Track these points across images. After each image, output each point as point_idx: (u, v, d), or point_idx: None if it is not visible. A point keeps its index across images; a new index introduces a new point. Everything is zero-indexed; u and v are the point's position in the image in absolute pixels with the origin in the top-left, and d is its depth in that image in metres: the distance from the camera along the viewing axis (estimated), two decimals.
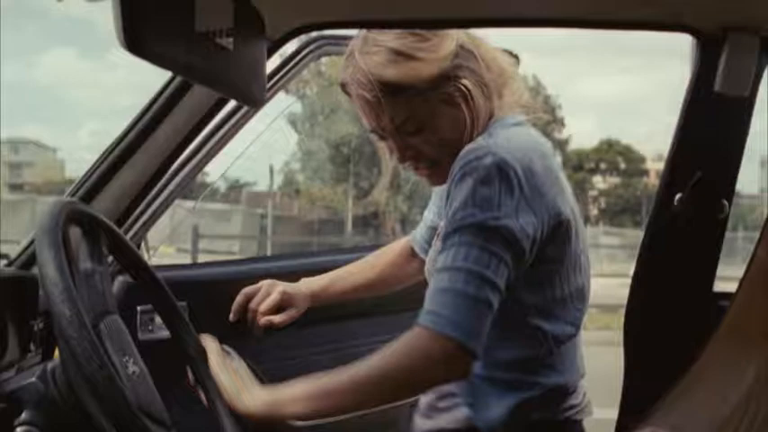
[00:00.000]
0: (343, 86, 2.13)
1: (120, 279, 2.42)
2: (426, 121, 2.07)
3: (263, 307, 2.42)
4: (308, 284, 2.54)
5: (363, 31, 2.14)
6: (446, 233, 1.92)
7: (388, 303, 2.78)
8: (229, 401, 1.96)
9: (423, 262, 2.44)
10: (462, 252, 1.87)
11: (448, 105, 2.07)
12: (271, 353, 2.76)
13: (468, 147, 1.97)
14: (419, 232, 2.61)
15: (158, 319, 2.50)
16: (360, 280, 2.62)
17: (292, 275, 2.56)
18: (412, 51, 2.07)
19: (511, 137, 2.02)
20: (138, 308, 2.44)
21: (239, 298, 2.44)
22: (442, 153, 2.09)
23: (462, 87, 2.07)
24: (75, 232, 1.89)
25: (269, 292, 2.45)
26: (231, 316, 2.42)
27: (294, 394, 1.89)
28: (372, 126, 2.12)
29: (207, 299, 2.64)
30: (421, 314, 1.86)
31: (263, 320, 2.41)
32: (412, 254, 2.63)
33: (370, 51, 2.07)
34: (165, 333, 2.26)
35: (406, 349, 1.84)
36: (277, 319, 2.42)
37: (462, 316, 1.83)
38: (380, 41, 2.07)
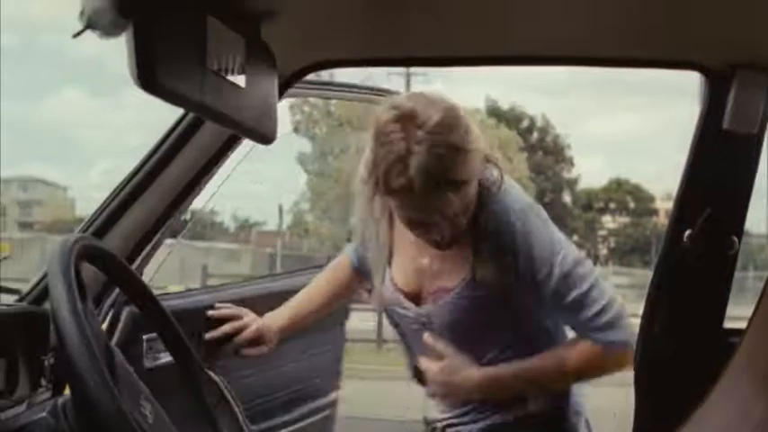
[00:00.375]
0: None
1: (126, 309, 2.42)
2: (469, 204, 2.20)
3: (241, 339, 2.64)
4: (275, 321, 2.70)
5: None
6: (557, 278, 2.22)
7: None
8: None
9: (360, 277, 2.70)
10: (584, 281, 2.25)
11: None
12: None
13: (500, 205, 2.23)
14: (354, 249, 2.73)
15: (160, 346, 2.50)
16: (317, 305, 2.78)
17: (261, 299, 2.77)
18: (466, 145, 2.11)
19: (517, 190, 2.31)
20: (144, 336, 2.44)
21: (227, 328, 2.64)
22: (462, 224, 2.22)
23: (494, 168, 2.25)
24: (86, 268, 1.89)
25: (248, 325, 2.66)
26: (209, 336, 2.62)
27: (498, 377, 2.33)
28: (409, 215, 2.20)
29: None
30: (592, 335, 2.24)
31: (243, 352, 2.65)
32: (351, 269, 2.76)
33: (432, 147, 2.07)
34: (168, 359, 2.31)
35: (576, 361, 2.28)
36: (253, 352, 2.65)
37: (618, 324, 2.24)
38: (437, 139, 2.08)
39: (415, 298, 2.42)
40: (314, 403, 3.18)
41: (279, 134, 1.89)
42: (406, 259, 2.45)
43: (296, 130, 32.61)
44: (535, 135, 44.12)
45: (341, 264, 2.81)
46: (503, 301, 2.27)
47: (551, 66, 2.26)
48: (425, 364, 2.37)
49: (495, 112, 39.50)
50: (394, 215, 2.33)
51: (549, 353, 2.31)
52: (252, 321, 2.65)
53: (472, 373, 2.33)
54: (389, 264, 2.46)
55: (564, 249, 2.23)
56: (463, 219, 2.20)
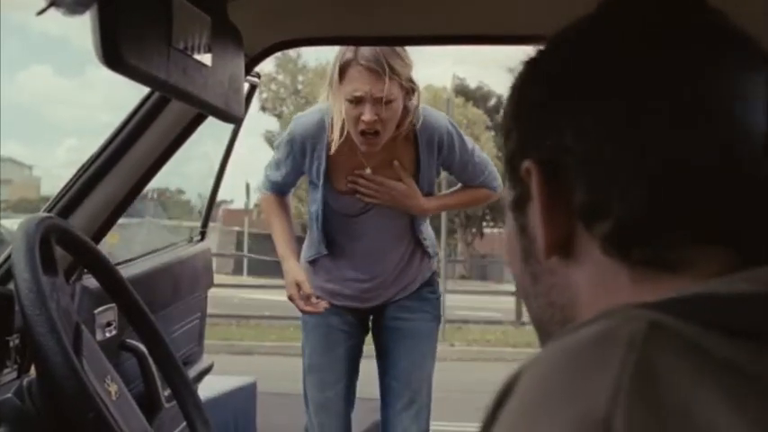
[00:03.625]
0: (354, 61, 3.15)
1: (78, 285, 2.41)
2: (397, 104, 3.20)
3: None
4: (299, 269, 3.43)
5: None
6: (473, 161, 3.48)
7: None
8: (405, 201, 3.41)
9: (286, 196, 3.62)
10: (484, 158, 3.56)
11: (406, 97, 3.26)
12: None
13: (426, 117, 3.34)
14: (267, 186, 3.58)
15: (108, 319, 2.49)
16: (292, 233, 3.58)
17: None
18: (409, 62, 3.23)
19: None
20: (96, 311, 2.43)
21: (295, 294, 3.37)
22: (390, 130, 3.24)
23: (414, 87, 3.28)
24: (50, 247, 1.88)
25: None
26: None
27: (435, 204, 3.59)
28: (365, 92, 3.13)
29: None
30: (486, 183, 3.53)
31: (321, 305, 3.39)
32: (280, 197, 3.60)
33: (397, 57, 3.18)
34: (114, 333, 2.45)
35: (480, 197, 3.61)
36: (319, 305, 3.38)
37: (497, 180, 3.56)
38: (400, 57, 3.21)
39: (360, 201, 3.40)
40: (195, 367, 3.27)
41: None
42: (347, 172, 3.37)
43: (263, 108, 32.57)
44: (502, 114, 44.15)
45: (272, 200, 3.59)
46: (434, 180, 3.52)
47: (522, 45, 2.26)
48: (385, 181, 3.37)
49: (462, 91, 39.51)
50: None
51: (467, 190, 3.60)
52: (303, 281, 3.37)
53: (421, 200, 3.42)
54: (333, 174, 3.37)
55: (472, 143, 3.52)
56: (389, 121, 3.20)
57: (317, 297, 3.40)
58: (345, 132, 3.26)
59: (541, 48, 0.83)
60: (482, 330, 14.73)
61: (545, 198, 0.77)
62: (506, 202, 0.85)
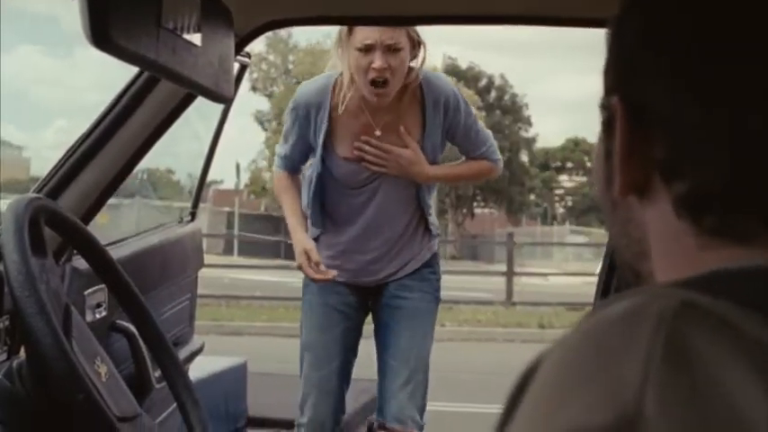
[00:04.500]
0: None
1: (68, 265, 2.41)
2: (405, 54, 3.27)
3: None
4: (308, 239, 3.47)
5: None
6: (476, 128, 3.56)
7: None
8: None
9: (298, 174, 3.66)
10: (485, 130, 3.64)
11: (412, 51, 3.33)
12: None
13: (432, 80, 3.46)
14: (279, 165, 3.66)
15: (98, 300, 2.49)
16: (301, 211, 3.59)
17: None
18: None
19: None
20: (85, 292, 2.43)
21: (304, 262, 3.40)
22: (399, 80, 3.30)
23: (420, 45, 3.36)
24: (39, 228, 1.87)
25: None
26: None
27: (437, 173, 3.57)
28: (375, 39, 3.19)
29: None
30: (488, 155, 3.59)
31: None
32: (292, 176, 3.65)
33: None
34: (103, 314, 2.45)
35: (483, 169, 3.64)
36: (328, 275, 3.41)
37: (497, 153, 3.68)
38: None
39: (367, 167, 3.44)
40: (187, 347, 3.29)
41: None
42: (353, 137, 3.40)
43: (253, 88, 32.53)
44: (493, 94, 44.17)
45: (282, 177, 3.65)
46: (438, 148, 3.52)
47: (511, 24, 2.25)
48: (392, 148, 3.40)
49: (453, 71, 39.49)
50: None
51: (470, 163, 3.63)
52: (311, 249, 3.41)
53: (426, 167, 3.45)
54: (337, 141, 3.42)
55: (474, 112, 3.61)
56: (398, 71, 3.27)
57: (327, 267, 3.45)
58: (353, 89, 3.33)
59: None
60: (473, 311, 14.75)
61: (626, 141, 0.75)
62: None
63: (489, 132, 3.64)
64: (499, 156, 3.65)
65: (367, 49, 3.21)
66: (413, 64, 3.35)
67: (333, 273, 3.40)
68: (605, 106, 0.79)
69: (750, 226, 0.70)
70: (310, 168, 3.51)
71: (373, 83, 3.26)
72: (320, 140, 3.40)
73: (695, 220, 0.72)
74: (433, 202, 3.67)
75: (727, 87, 0.70)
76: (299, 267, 3.43)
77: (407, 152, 3.41)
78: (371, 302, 3.62)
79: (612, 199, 0.80)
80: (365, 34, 3.20)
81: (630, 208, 0.78)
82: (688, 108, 0.71)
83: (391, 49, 3.22)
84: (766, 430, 0.53)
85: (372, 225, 3.50)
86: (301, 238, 3.46)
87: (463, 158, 3.66)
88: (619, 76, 0.78)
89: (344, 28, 3.23)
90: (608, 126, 0.78)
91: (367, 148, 3.40)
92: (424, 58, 3.35)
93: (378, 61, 3.20)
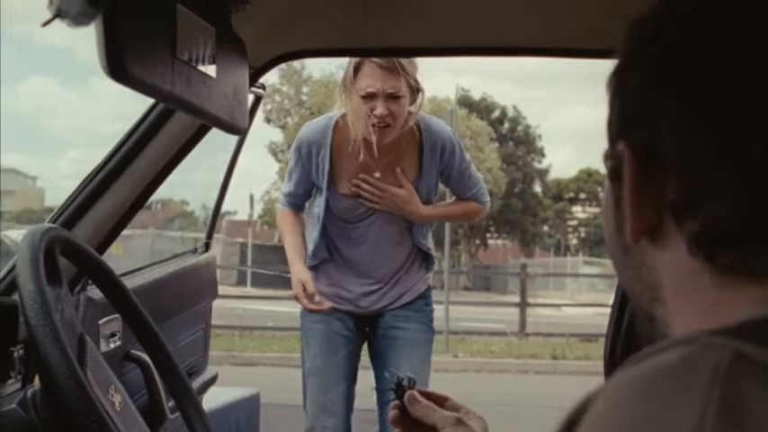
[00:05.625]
0: (368, 59, 3.38)
1: (82, 295, 2.41)
2: (405, 101, 3.45)
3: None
4: (306, 273, 3.57)
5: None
6: (469, 172, 3.71)
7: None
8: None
9: (301, 212, 3.81)
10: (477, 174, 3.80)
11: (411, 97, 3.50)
12: None
13: (431, 124, 3.61)
14: (285, 203, 3.80)
15: (112, 330, 2.49)
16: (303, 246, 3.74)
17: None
18: (415, 63, 3.52)
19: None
20: (100, 322, 2.43)
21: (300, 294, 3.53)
22: (399, 124, 3.46)
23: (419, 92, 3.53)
24: (54, 258, 1.88)
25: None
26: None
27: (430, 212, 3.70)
28: (377, 88, 3.38)
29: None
30: (477, 197, 3.75)
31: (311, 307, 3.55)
32: (296, 213, 3.80)
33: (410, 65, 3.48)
34: (117, 344, 2.44)
35: (472, 210, 3.82)
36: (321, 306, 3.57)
37: (486, 195, 3.86)
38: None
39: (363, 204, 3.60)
40: (201, 378, 3.28)
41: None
42: (353, 176, 3.57)
43: (267, 119, 32.60)
44: (506, 125, 44.24)
45: (285, 214, 3.80)
46: (433, 189, 3.68)
47: (525, 57, 2.26)
48: (387, 187, 3.57)
49: (466, 102, 39.56)
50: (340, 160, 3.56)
51: (460, 203, 3.79)
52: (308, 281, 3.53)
53: (419, 207, 3.61)
54: (338, 177, 3.57)
55: (469, 158, 3.76)
56: (398, 115, 3.44)
57: (322, 297, 3.60)
58: (355, 131, 3.51)
59: (653, 23, 0.78)
60: (486, 342, 14.71)
61: (635, 185, 0.75)
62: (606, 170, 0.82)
63: (479, 177, 3.84)
64: (488, 198, 3.87)
65: (370, 97, 3.42)
66: (411, 109, 3.52)
67: (328, 304, 3.57)
68: (611, 155, 0.79)
69: (764, 262, 0.69)
70: (316, 208, 3.68)
71: (374, 126, 3.45)
72: (324, 178, 3.58)
73: (711, 259, 0.71)
74: (430, 236, 3.83)
75: (736, 123, 0.69)
76: (296, 298, 3.55)
77: (402, 192, 3.61)
78: (368, 332, 3.74)
79: (624, 245, 0.80)
80: (368, 82, 3.42)
81: (642, 253, 0.78)
82: (698, 146, 0.71)
83: (392, 97, 3.42)
84: None
85: (368, 258, 3.67)
86: (298, 269, 3.60)
87: (453, 198, 3.89)
88: (625, 121, 0.78)
89: (349, 74, 3.44)
90: (615, 174, 0.78)
91: (364, 186, 3.57)
92: (421, 103, 3.55)
93: (379, 108, 3.41)
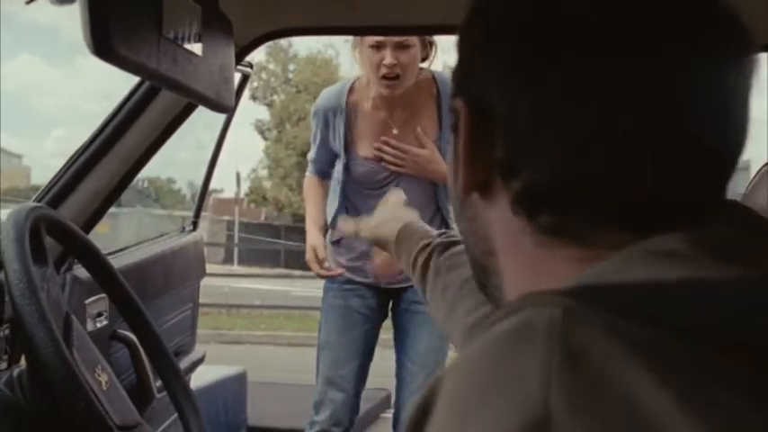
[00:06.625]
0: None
1: (68, 274, 2.41)
2: (415, 51, 3.39)
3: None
4: (321, 241, 3.61)
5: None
6: None
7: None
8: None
9: (327, 180, 3.71)
10: None
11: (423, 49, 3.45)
12: None
13: (448, 79, 3.39)
14: (312, 170, 3.77)
15: (99, 309, 2.49)
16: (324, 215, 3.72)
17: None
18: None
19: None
20: (86, 301, 2.43)
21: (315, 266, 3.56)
22: (410, 76, 3.42)
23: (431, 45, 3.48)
24: (40, 237, 1.88)
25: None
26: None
27: None
28: (386, 37, 3.29)
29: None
30: None
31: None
32: (322, 181, 3.76)
33: None
34: (104, 323, 2.45)
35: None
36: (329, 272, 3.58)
37: None
38: None
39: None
40: (189, 357, 3.28)
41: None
42: (372, 136, 3.51)
43: (253, 97, 32.52)
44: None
45: (309, 182, 3.77)
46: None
47: None
48: (409, 148, 3.48)
49: None
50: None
51: None
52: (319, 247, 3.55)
53: (443, 166, 3.35)
54: (356, 140, 3.52)
55: None
56: (410, 66, 3.39)
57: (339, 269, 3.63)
58: (372, 89, 3.50)
59: None
60: None
61: (469, 141, 0.77)
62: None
63: None
64: None
65: (378, 47, 3.36)
66: (424, 64, 3.49)
67: (339, 271, 3.57)
68: (452, 109, 0.81)
69: (584, 225, 0.72)
70: (336, 175, 3.65)
71: (384, 77, 3.39)
72: (341, 143, 3.54)
73: (531, 219, 0.74)
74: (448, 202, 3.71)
75: (557, 84, 0.71)
76: (308, 262, 3.58)
77: (425, 152, 3.51)
78: (392, 306, 3.72)
79: (460, 197, 0.82)
80: None
81: (475, 207, 0.81)
82: (520, 107, 0.72)
83: (401, 46, 3.36)
84: (665, 421, 0.54)
85: None
86: (313, 235, 3.61)
87: None
88: (463, 78, 0.80)
89: None
90: (456, 127, 0.81)
91: (385, 148, 3.50)
92: (434, 57, 3.51)
93: (388, 58, 3.35)
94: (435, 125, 3.55)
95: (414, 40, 3.38)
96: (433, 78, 3.55)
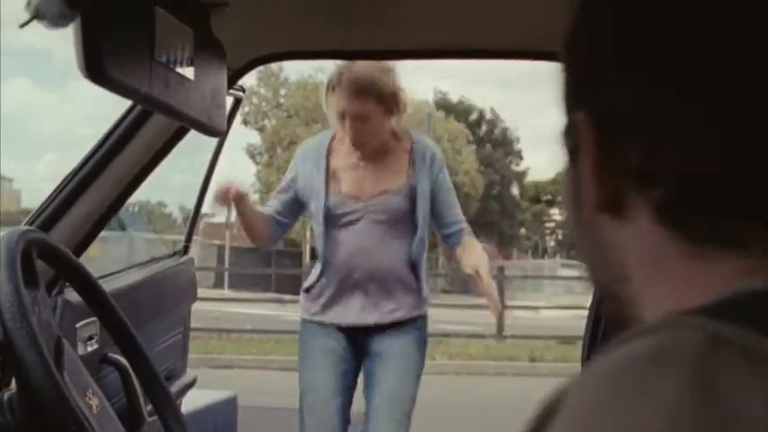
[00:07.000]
0: (338, 81, 3.47)
1: (60, 298, 2.41)
2: (375, 120, 3.49)
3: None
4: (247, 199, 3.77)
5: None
6: (452, 190, 3.72)
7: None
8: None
9: (273, 227, 3.82)
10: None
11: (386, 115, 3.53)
12: None
13: (420, 137, 3.74)
14: (275, 211, 3.81)
15: (90, 333, 2.49)
16: (256, 220, 3.85)
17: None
18: (390, 81, 3.52)
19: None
20: (77, 325, 2.42)
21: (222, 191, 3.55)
22: (374, 140, 3.55)
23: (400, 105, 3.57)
24: (31, 261, 1.87)
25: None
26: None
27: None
28: (344, 110, 3.45)
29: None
30: (462, 230, 3.72)
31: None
32: (272, 221, 3.83)
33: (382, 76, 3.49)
34: (95, 347, 2.43)
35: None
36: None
37: None
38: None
39: (358, 198, 3.58)
40: (180, 381, 3.27)
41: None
42: (351, 173, 3.60)
43: (245, 121, 32.54)
44: (484, 128, 44.36)
45: (266, 216, 3.82)
46: (422, 198, 3.59)
47: (505, 60, 2.27)
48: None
49: (444, 105, 39.61)
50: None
51: (469, 244, 3.70)
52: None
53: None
54: (333, 180, 3.59)
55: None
56: (372, 138, 3.52)
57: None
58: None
59: None
60: (464, 344, 14.69)
61: (595, 154, 0.71)
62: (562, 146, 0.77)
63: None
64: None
65: (341, 116, 3.51)
66: (393, 122, 3.59)
67: (235, 189, 3.60)
68: (569, 130, 0.75)
69: (740, 228, 0.66)
70: (315, 213, 3.67)
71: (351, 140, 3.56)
72: (323, 180, 3.61)
73: (680, 227, 0.67)
74: (424, 265, 3.79)
75: (702, 80, 0.66)
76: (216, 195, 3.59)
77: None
78: (363, 348, 3.70)
79: (584, 223, 0.75)
80: (338, 103, 3.50)
81: (604, 229, 0.74)
82: (663, 105, 0.67)
83: (359, 118, 3.48)
84: None
85: (360, 267, 3.62)
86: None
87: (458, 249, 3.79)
88: (582, 90, 0.75)
89: (328, 92, 3.56)
90: (574, 150, 0.74)
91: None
92: (402, 113, 3.60)
93: (348, 130, 3.51)
94: (405, 171, 3.62)
95: (371, 109, 3.47)
96: (406, 134, 3.67)
